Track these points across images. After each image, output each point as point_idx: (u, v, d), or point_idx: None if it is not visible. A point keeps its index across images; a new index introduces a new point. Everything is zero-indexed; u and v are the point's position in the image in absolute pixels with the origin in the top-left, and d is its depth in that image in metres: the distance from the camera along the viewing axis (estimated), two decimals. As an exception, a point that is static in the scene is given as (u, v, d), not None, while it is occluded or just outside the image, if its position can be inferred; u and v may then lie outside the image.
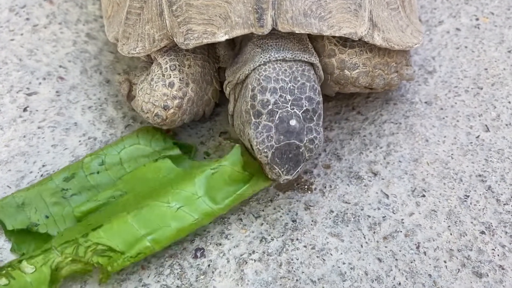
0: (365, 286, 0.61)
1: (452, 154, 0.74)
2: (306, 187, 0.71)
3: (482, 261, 0.63)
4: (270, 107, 0.61)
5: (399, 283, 0.62)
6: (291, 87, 0.62)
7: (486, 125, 0.78)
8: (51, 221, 0.66)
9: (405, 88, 0.82)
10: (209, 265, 0.64)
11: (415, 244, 0.65)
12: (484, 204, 0.69)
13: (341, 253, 0.64)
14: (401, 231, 0.66)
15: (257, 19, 0.62)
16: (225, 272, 0.63)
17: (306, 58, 0.65)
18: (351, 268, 0.63)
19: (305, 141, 0.61)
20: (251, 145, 0.63)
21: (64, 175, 0.68)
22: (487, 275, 0.62)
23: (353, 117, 0.79)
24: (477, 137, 0.76)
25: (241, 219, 0.68)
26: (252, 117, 0.62)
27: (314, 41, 0.68)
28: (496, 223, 0.67)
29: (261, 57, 0.64)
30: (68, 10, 0.94)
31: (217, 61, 0.72)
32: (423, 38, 0.77)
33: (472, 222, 0.67)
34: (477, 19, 0.93)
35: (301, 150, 0.61)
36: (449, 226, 0.67)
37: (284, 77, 0.63)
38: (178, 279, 0.63)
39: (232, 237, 0.66)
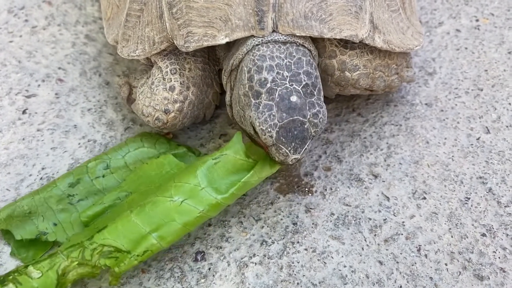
0: (366, 289, 0.61)
1: (452, 156, 0.74)
2: (306, 189, 0.71)
3: (483, 264, 0.63)
4: (268, 85, 0.60)
5: (400, 286, 0.62)
6: (288, 63, 0.61)
7: (486, 127, 0.77)
8: (60, 228, 0.65)
9: (406, 90, 0.82)
10: (209, 269, 0.63)
11: (416, 247, 0.65)
12: (485, 206, 0.69)
13: (342, 256, 0.64)
14: (402, 234, 0.66)
15: (257, 22, 0.62)
16: (226, 276, 0.63)
17: (300, 42, 0.63)
18: (352, 271, 0.63)
19: (308, 116, 0.59)
20: (253, 128, 0.60)
21: (69, 181, 0.68)
22: (488, 278, 0.62)
23: (353, 119, 0.79)
24: (478, 139, 0.76)
25: (241, 222, 0.68)
26: (251, 99, 0.60)
27: (315, 42, 0.68)
28: (497, 225, 0.67)
29: (254, 39, 0.63)
30: (67, 12, 0.93)
31: (217, 63, 0.72)
32: (424, 40, 0.77)
33: (473, 225, 0.67)
34: (477, 20, 0.93)
35: (306, 126, 0.59)
36: (450, 229, 0.67)
37: (279, 54, 0.61)
38: (178, 282, 0.62)
39: (233, 240, 0.66)
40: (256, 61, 0.61)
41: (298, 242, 0.65)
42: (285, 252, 0.65)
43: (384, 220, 0.67)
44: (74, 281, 0.60)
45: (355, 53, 0.68)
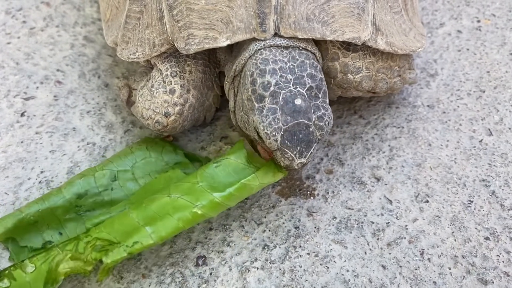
0: (369, 294, 0.61)
1: (455, 159, 0.73)
2: (308, 193, 0.70)
3: (487, 268, 0.63)
4: (272, 88, 0.59)
5: (404, 291, 0.61)
6: (291, 66, 0.60)
7: (489, 129, 0.77)
8: (65, 237, 0.64)
9: (407, 92, 0.82)
10: (211, 273, 0.63)
11: (419, 251, 0.64)
12: (488, 209, 0.68)
13: (345, 261, 0.63)
14: (405, 238, 0.66)
15: (259, 24, 0.61)
16: (227, 281, 0.62)
17: (303, 46, 0.62)
18: (355, 276, 0.62)
19: (314, 119, 0.58)
20: (257, 133, 0.59)
21: (77, 191, 0.66)
22: (492, 282, 0.62)
23: (355, 121, 0.78)
24: (480, 141, 0.75)
25: (243, 226, 0.67)
26: (255, 102, 0.59)
27: (318, 44, 0.67)
28: (500, 228, 0.66)
29: (256, 44, 0.62)
30: (66, 13, 0.92)
31: (218, 65, 0.71)
32: (426, 41, 0.76)
33: (476, 228, 0.66)
34: (478, 21, 0.92)
35: (311, 129, 0.58)
36: (453, 232, 0.66)
37: (282, 57, 0.60)
38: (179, 287, 0.62)
39: (234, 244, 0.65)
40: (259, 64, 0.60)
41: (300, 246, 0.65)
42: (287, 257, 0.64)
43: (387, 223, 0.67)
44: (65, 275, 0.59)
45: (357, 55, 0.67)
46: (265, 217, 0.68)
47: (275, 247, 0.65)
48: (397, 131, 0.77)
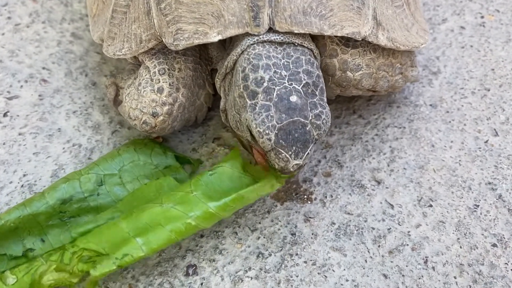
0: (370, 305, 0.57)
1: (459, 161, 0.70)
2: (305, 197, 0.66)
3: (495, 277, 0.59)
4: (265, 84, 0.55)
5: (407, 302, 0.58)
6: (285, 62, 0.56)
7: (494, 129, 0.73)
8: (48, 245, 0.61)
9: (409, 90, 0.78)
10: (201, 283, 0.59)
11: (423, 259, 0.61)
12: (495, 214, 0.65)
13: (344, 269, 0.60)
14: (407, 245, 0.62)
15: (252, 18, 0.57)
16: (220, 291, 0.58)
17: (299, 42, 0.59)
18: (354, 286, 0.59)
19: (310, 118, 0.55)
20: (250, 133, 0.56)
21: (60, 196, 0.63)
22: (500, 292, 0.58)
23: (354, 121, 0.75)
24: (486, 142, 0.72)
25: (236, 233, 0.63)
26: (247, 99, 0.55)
27: (315, 40, 0.63)
28: (508, 234, 0.63)
29: (249, 39, 0.58)
30: (52, 8, 0.89)
31: (210, 62, 0.68)
32: (429, 37, 0.73)
33: (482, 234, 0.63)
34: (482, 17, 0.89)
35: (307, 128, 0.54)
36: (458, 239, 0.63)
37: (276, 54, 0.57)
38: (168, 298, 0.58)
39: (227, 252, 0.61)
40: (252, 59, 0.57)
41: (296, 254, 0.61)
42: (283, 265, 0.60)
43: (388, 229, 0.63)
44: (49, 287, 0.56)
45: (357, 51, 0.63)
46: (259, 223, 0.64)
47: (270, 255, 0.61)
48: (398, 132, 0.73)
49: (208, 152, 0.71)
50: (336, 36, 0.63)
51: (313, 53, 0.61)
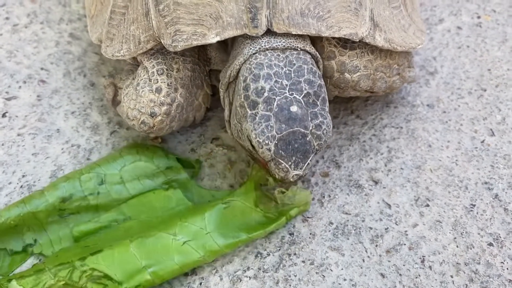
0: (367, 304, 0.58)
1: (456, 160, 0.70)
2: (303, 197, 0.67)
3: (491, 276, 0.60)
4: (266, 94, 0.55)
5: (404, 301, 0.58)
6: (287, 71, 0.57)
7: (491, 129, 0.74)
8: (47, 241, 0.62)
9: (406, 91, 0.78)
10: (200, 283, 0.59)
11: (420, 258, 0.61)
12: (491, 213, 0.65)
13: (342, 269, 0.60)
14: (404, 244, 0.62)
15: (250, 19, 0.58)
16: (218, 291, 0.59)
17: (301, 46, 0.59)
18: (352, 285, 0.59)
19: (310, 128, 0.55)
20: (250, 143, 0.56)
21: (60, 194, 0.63)
22: (497, 291, 0.59)
23: (352, 121, 0.75)
24: (482, 141, 0.72)
25: (234, 233, 0.64)
26: (247, 109, 0.56)
27: (313, 42, 0.64)
28: (504, 234, 0.63)
29: (251, 48, 0.59)
30: (51, 9, 0.89)
31: (208, 63, 0.68)
32: (426, 38, 0.73)
33: (479, 233, 0.63)
34: (478, 17, 0.89)
35: (307, 138, 0.55)
36: (455, 238, 0.63)
37: (278, 62, 0.57)
38: (167, 298, 0.58)
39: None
40: (253, 69, 0.57)
41: (295, 254, 0.62)
42: (281, 265, 0.61)
43: (385, 229, 0.64)
44: None
45: (355, 53, 0.64)
46: (258, 222, 0.64)
47: (269, 254, 0.62)
48: (395, 132, 0.74)
49: (206, 153, 0.71)
50: (333, 38, 0.63)
51: (315, 59, 0.61)
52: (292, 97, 0.56)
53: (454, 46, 0.85)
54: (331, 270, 0.60)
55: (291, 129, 0.54)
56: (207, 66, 0.68)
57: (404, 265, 0.61)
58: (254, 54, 0.58)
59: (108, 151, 0.71)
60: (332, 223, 0.64)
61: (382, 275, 0.60)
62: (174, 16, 0.59)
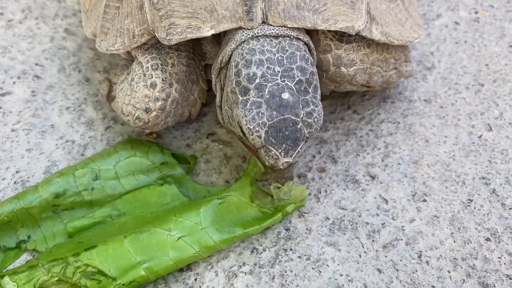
0: (364, 300, 0.57)
1: (453, 155, 0.70)
2: (299, 192, 0.66)
3: (488, 271, 0.59)
4: (257, 81, 0.55)
5: (401, 296, 0.58)
6: (279, 57, 0.56)
7: (488, 124, 0.73)
8: (40, 237, 0.61)
9: (403, 86, 0.78)
10: (196, 279, 0.59)
11: (417, 253, 0.61)
12: (488, 208, 0.65)
13: (338, 264, 0.60)
14: (401, 239, 0.62)
15: (246, 12, 0.57)
16: (214, 287, 0.58)
17: (294, 34, 0.58)
18: (349, 280, 0.59)
19: (302, 115, 0.54)
20: (241, 129, 0.56)
21: (54, 190, 0.63)
22: (494, 286, 0.58)
23: (348, 116, 0.75)
24: (480, 136, 0.72)
25: (230, 228, 0.63)
26: (239, 95, 0.55)
27: (309, 35, 0.63)
28: (501, 229, 0.63)
29: (243, 34, 0.58)
30: (45, 4, 0.88)
31: (203, 58, 0.67)
32: (423, 32, 0.73)
33: (476, 228, 0.63)
34: (476, 13, 0.89)
35: (298, 126, 0.54)
36: (452, 233, 0.63)
37: (270, 48, 0.56)
38: (162, 294, 0.58)
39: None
40: (245, 54, 0.56)
41: (291, 249, 0.61)
42: (277, 260, 0.60)
43: (382, 224, 0.63)
44: None
45: (351, 47, 0.63)
46: (254, 218, 0.64)
47: (264, 250, 0.61)
48: (392, 127, 0.73)
49: (202, 148, 0.71)
50: (330, 31, 0.63)
51: (308, 47, 0.60)
52: (284, 84, 0.55)
53: (452, 41, 0.84)
54: (328, 266, 0.60)
55: (282, 117, 0.54)
56: (203, 60, 0.67)
57: (401, 261, 0.60)
58: (246, 40, 0.57)
59: (102, 147, 0.70)
60: (328, 219, 0.64)
61: (379, 271, 0.60)
62: (169, 9, 0.59)
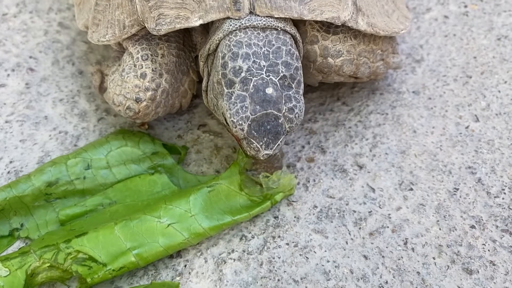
0: (350, 285, 0.58)
1: (440, 146, 0.71)
2: (288, 181, 0.67)
3: (472, 257, 0.61)
4: (243, 74, 0.56)
5: (386, 282, 0.59)
6: (266, 52, 0.57)
7: (475, 115, 0.75)
8: (33, 225, 0.62)
9: (392, 78, 0.79)
10: (185, 266, 0.60)
11: (403, 240, 0.62)
12: (474, 197, 0.66)
13: (325, 251, 0.61)
14: (388, 227, 0.63)
15: (233, 2, 0.58)
16: (203, 273, 0.59)
17: (281, 26, 0.59)
18: (335, 267, 0.60)
19: (284, 111, 0.56)
20: (225, 119, 0.57)
21: (46, 179, 0.64)
22: (478, 272, 0.59)
23: (338, 108, 0.76)
24: (467, 127, 0.73)
25: (220, 216, 0.64)
26: (224, 87, 0.57)
27: (296, 26, 0.64)
28: (486, 216, 0.64)
29: (231, 24, 0.59)
30: (40, -2, 0.89)
31: (194, 49, 0.68)
32: (410, 24, 0.74)
33: (461, 216, 0.64)
34: (465, 6, 0.90)
35: (280, 120, 0.56)
36: (438, 221, 0.64)
37: (257, 41, 0.58)
38: (152, 280, 0.59)
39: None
40: (232, 47, 0.58)
41: (279, 237, 0.62)
42: (265, 247, 0.61)
43: (369, 212, 0.64)
44: (41, 283, 0.57)
45: (338, 38, 0.64)
46: (243, 206, 0.65)
47: (253, 237, 0.62)
48: (381, 118, 0.74)
49: (193, 139, 0.72)
50: (316, 22, 0.64)
51: (295, 40, 0.62)
52: (268, 78, 0.56)
53: (441, 35, 0.85)
54: (315, 252, 0.61)
55: (265, 111, 0.55)
56: (193, 52, 0.68)
57: (387, 247, 0.61)
58: (234, 31, 0.58)
59: (95, 138, 0.71)
60: (316, 207, 0.65)
61: (365, 257, 0.61)
62: (158, 0, 0.60)
